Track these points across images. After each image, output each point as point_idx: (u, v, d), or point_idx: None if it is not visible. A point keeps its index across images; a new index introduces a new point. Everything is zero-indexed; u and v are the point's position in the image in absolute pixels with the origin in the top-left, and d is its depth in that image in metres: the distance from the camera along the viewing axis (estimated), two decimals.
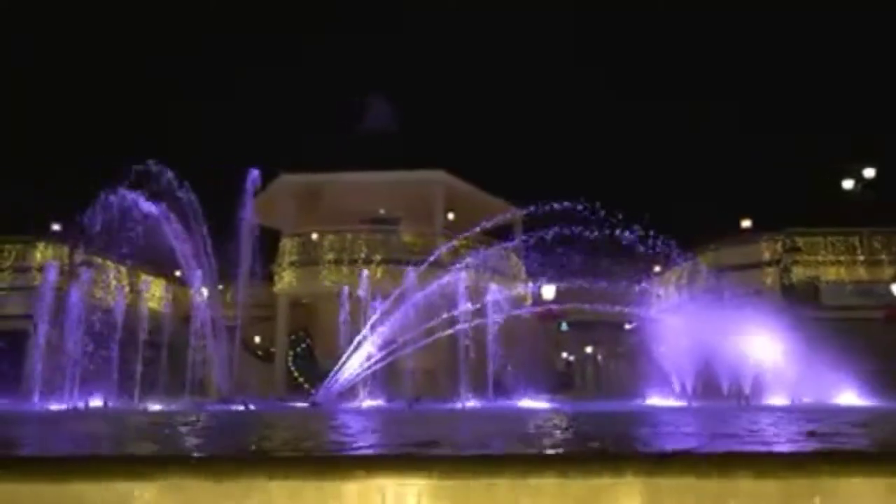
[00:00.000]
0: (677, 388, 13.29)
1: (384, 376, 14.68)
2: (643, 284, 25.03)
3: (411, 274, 15.11)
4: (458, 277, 15.09)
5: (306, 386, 22.13)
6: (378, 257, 19.22)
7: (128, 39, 47.57)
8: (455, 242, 16.80)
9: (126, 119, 43.23)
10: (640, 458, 2.70)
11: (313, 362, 23.45)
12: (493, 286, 15.43)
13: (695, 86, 48.37)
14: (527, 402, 13.51)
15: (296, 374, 21.86)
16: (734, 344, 11.60)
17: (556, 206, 13.47)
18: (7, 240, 20.70)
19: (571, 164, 44.72)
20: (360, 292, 15.06)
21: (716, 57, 48.95)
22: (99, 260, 22.88)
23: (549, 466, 2.60)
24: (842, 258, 19.43)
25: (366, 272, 16.03)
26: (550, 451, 3.67)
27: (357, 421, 7.69)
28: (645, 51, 51.65)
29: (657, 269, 29.60)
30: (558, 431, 5.76)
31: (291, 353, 22.81)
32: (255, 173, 16.63)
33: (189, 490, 2.63)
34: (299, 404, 13.97)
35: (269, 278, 22.36)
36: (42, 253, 20.60)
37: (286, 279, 19.79)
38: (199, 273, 15.76)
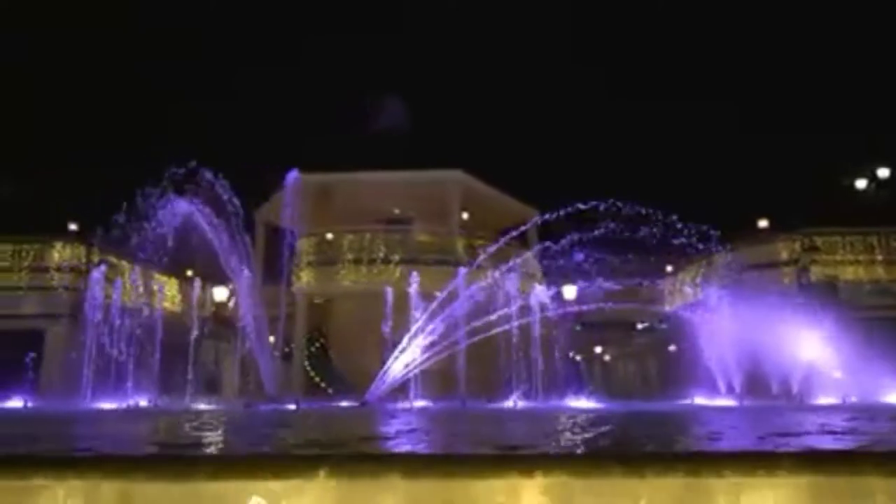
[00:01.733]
0: (723, 386, 13.26)
1: (430, 376, 14.69)
2: (668, 283, 25.06)
3: (462, 273, 15.12)
4: (509, 278, 15.11)
5: (322, 385, 22.18)
6: (396, 257, 19.22)
7: (132, 43, 47.60)
8: (495, 246, 16.68)
9: (132, 121, 43.24)
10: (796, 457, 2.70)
11: (328, 361, 23.50)
12: (538, 286, 15.44)
13: (707, 86, 48.38)
14: (574, 402, 13.50)
15: (312, 373, 21.88)
16: (782, 342, 11.57)
17: (581, 205, 13.46)
18: (24, 240, 20.71)
19: (582, 163, 44.71)
20: (411, 291, 15.05)
21: (732, 56, 48.99)
22: (115, 260, 22.92)
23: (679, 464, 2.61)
24: (860, 258, 19.44)
25: (415, 272, 16.00)
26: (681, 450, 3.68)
27: (441, 421, 7.65)
28: (648, 50, 51.61)
29: (669, 268, 29.67)
30: (654, 430, 5.76)
31: (306, 352, 22.84)
32: (293, 174, 16.65)
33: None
34: (347, 403, 13.96)
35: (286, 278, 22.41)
36: (59, 253, 20.62)
37: (304, 279, 19.79)
38: (245, 274, 15.76)
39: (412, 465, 2.73)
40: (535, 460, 2.74)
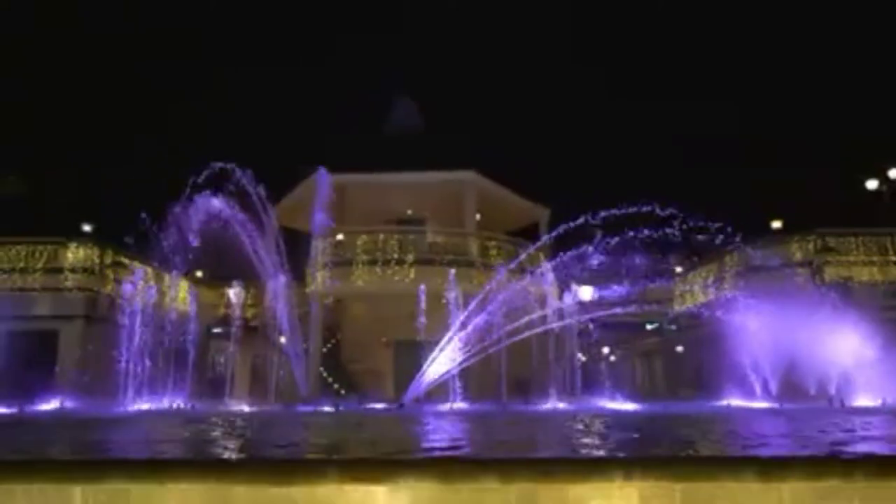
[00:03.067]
0: (758, 388, 13.22)
1: (464, 378, 14.68)
2: (677, 284, 25.02)
3: (502, 272, 15.14)
4: (546, 280, 15.12)
5: (336, 386, 22.16)
6: (410, 258, 19.22)
7: (138, 48, 47.65)
8: (533, 249, 16.62)
9: (138, 121, 43.33)
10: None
11: (339, 362, 23.49)
12: (574, 287, 15.44)
13: (711, 85, 48.35)
14: (612, 404, 13.46)
15: (325, 374, 21.87)
16: (819, 343, 11.51)
17: (617, 211, 13.43)
18: (38, 241, 20.73)
19: (594, 163, 44.70)
20: (450, 294, 15.04)
21: (741, 55, 48.92)
22: (127, 261, 22.94)
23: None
24: (874, 258, 19.39)
25: (453, 271, 16.00)
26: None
27: (502, 424, 7.65)
28: (649, 49, 51.60)
29: (679, 269, 29.63)
30: (723, 433, 5.75)
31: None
32: (324, 174, 16.69)
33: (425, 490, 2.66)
34: (384, 406, 13.95)
35: (300, 279, 22.41)
36: (73, 254, 20.63)
37: (319, 279, 19.80)
38: (281, 277, 15.77)
39: (510, 468, 2.74)
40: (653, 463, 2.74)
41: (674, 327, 28.49)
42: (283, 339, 27.21)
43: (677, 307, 25.39)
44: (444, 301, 18.78)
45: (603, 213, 13.56)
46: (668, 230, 13.61)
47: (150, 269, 24.22)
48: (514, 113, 51.85)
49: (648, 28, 52.59)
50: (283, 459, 3.32)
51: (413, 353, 23.85)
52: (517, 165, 29.46)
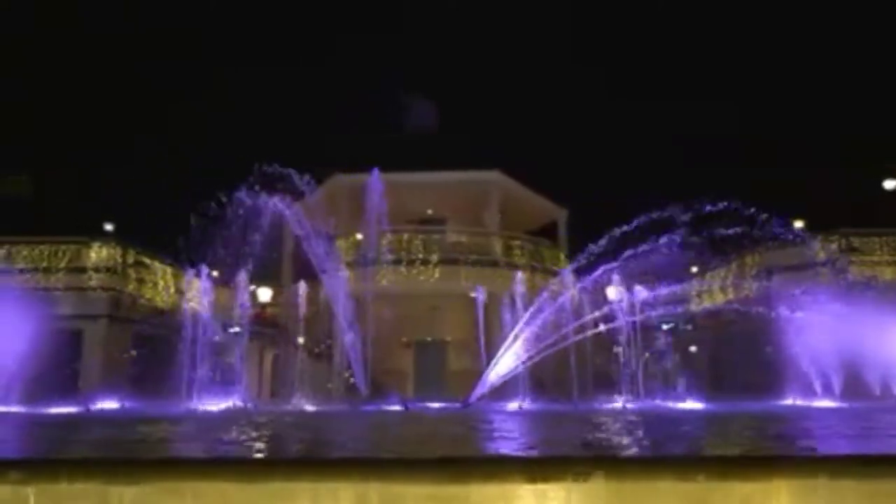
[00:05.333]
0: (819, 387, 13.19)
1: (526, 378, 14.70)
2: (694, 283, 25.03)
3: (567, 274, 15.17)
4: (613, 279, 15.15)
5: (357, 385, 22.21)
6: (435, 258, 19.26)
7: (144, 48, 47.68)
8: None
9: (137, 122, 43.38)
10: None
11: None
12: (638, 288, 15.48)
13: (736, 87, 48.43)
14: (674, 404, 13.46)
15: (346, 374, 21.89)
16: (881, 340, 11.48)
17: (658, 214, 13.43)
18: (61, 241, 20.75)
19: (595, 164, 44.72)
20: (517, 295, 15.06)
21: (764, 56, 48.99)
22: (148, 261, 22.98)
23: None
24: None
25: (520, 273, 16.03)
26: None
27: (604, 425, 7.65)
28: (651, 49, 51.66)
29: (694, 269, 29.64)
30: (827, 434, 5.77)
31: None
32: (376, 173, 16.78)
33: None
34: (450, 405, 13.96)
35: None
36: (96, 253, 20.64)
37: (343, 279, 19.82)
38: (344, 274, 15.79)
39: (685, 467, 2.75)
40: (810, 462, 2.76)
41: (689, 327, 28.54)
42: (300, 339, 27.32)
43: (695, 306, 25.42)
44: (471, 298, 18.80)
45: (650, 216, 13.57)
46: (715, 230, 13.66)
47: (169, 269, 24.29)
48: (514, 113, 51.89)
49: (647, 28, 52.66)
50: (459, 457, 3.33)
51: (434, 353, 23.93)
52: (537, 165, 29.50)
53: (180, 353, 25.13)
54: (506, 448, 4.80)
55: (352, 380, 22.54)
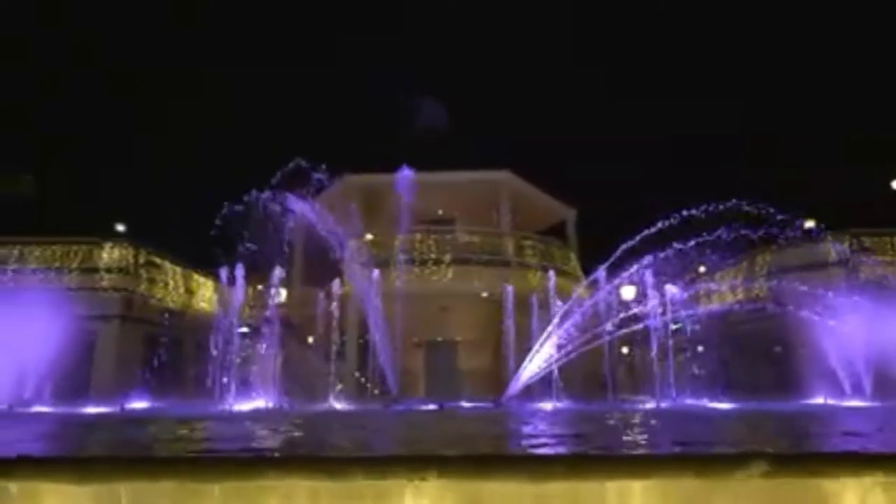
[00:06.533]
0: (848, 386, 13.22)
1: (556, 377, 14.72)
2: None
3: (601, 273, 15.21)
4: (646, 280, 15.19)
5: (368, 386, 22.23)
6: (448, 258, 19.29)
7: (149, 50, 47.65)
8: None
9: (137, 122, 43.39)
10: None
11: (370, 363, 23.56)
12: (669, 287, 15.51)
13: (742, 86, 48.42)
14: (709, 403, 13.46)
15: (357, 375, 21.93)
16: None
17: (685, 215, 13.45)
18: (73, 241, 20.78)
19: (613, 163, 44.74)
20: (551, 296, 15.11)
21: (770, 56, 48.99)
22: (159, 260, 23.01)
23: None
24: None
25: (552, 273, 16.06)
26: None
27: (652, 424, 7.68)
28: (652, 49, 51.66)
29: (702, 269, 29.66)
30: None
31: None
32: (407, 172, 16.84)
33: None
34: (483, 404, 14.00)
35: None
36: (108, 254, 20.67)
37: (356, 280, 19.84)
38: (376, 273, 15.83)
39: (775, 462, 2.79)
40: None
41: (697, 327, 28.57)
42: (310, 339, 27.33)
43: (704, 306, 25.43)
44: (483, 298, 18.83)
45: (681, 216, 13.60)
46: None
47: (178, 269, 24.32)
48: (522, 113, 51.91)
49: (645, 28, 52.69)
50: (542, 456, 3.37)
51: (444, 354, 23.93)
52: (544, 165, 29.53)
53: (202, 355, 25.22)
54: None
55: (362, 380, 22.62)
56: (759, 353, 20.05)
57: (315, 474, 2.83)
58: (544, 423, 7.95)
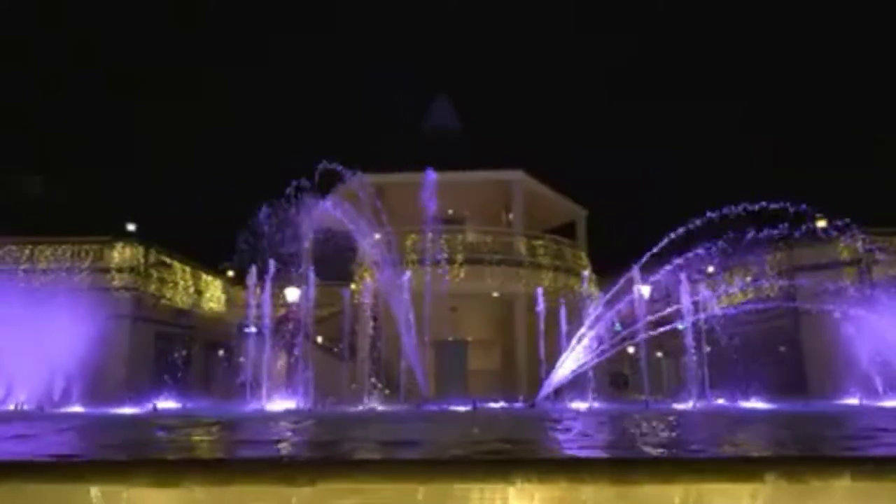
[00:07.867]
0: (882, 386, 13.20)
1: (590, 378, 14.68)
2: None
3: (635, 270, 15.20)
4: (681, 278, 15.17)
5: (379, 386, 22.20)
6: (460, 257, 19.27)
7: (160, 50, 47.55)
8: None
9: (138, 122, 43.32)
10: None
11: (379, 362, 23.51)
12: (702, 287, 15.49)
13: (749, 86, 48.44)
14: (748, 404, 13.41)
15: (373, 377, 21.87)
16: None
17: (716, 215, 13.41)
18: (84, 240, 20.74)
19: (624, 164, 44.76)
20: (583, 295, 15.08)
21: (780, 57, 49.00)
22: (169, 260, 22.97)
23: None
24: None
25: (586, 273, 16.03)
26: None
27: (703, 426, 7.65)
28: (652, 49, 51.56)
29: (710, 269, 29.63)
30: None
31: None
32: (432, 174, 16.80)
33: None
34: (518, 405, 13.97)
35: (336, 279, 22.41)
36: (119, 253, 20.64)
37: (367, 279, 19.82)
38: (408, 274, 15.80)
39: (862, 468, 2.78)
40: None
41: (718, 327, 28.53)
42: (319, 339, 27.29)
43: (717, 306, 25.38)
44: (494, 298, 18.75)
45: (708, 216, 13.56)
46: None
47: (188, 268, 24.27)
48: (533, 113, 51.86)
49: (644, 27, 52.67)
50: (633, 458, 3.36)
51: (454, 353, 23.90)
52: (558, 165, 29.48)
53: (212, 354, 25.12)
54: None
55: (373, 380, 22.57)
56: (780, 353, 20.05)
57: (409, 478, 2.82)
58: (611, 424, 7.85)
